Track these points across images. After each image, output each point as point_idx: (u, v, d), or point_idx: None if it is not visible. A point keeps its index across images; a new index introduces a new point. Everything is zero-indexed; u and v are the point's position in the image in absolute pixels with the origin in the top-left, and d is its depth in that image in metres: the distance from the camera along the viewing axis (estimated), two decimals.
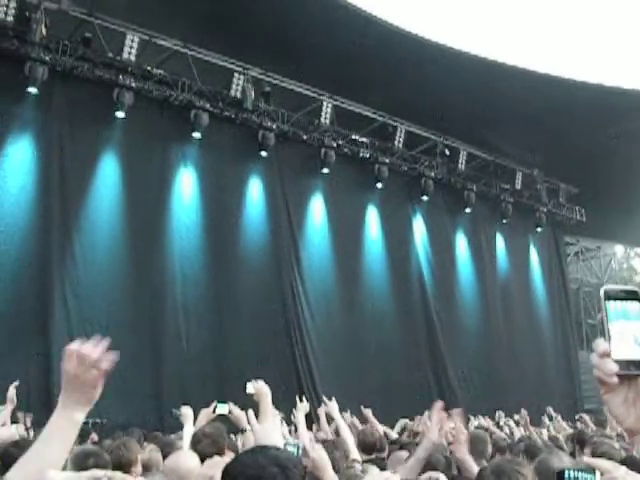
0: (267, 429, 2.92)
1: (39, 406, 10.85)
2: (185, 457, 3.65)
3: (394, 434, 8.89)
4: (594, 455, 4.81)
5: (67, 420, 1.82)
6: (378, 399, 13.73)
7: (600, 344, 1.29)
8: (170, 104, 14.97)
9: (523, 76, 16.94)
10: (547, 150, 18.79)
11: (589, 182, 20.37)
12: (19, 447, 4.18)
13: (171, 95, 14.90)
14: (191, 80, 15.05)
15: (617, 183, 20.68)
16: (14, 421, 6.98)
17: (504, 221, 20.92)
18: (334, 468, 3.97)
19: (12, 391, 5.78)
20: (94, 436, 10.11)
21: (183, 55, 14.75)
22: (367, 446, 6.18)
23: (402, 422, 9.87)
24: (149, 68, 14.59)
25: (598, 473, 1.93)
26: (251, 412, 3.16)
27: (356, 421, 9.09)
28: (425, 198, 18.88)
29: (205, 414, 5.18)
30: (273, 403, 3.35)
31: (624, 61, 16.67)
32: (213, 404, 5.19)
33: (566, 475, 1.93)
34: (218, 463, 2.02)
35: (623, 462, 2.91)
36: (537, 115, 17.33)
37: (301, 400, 5.55)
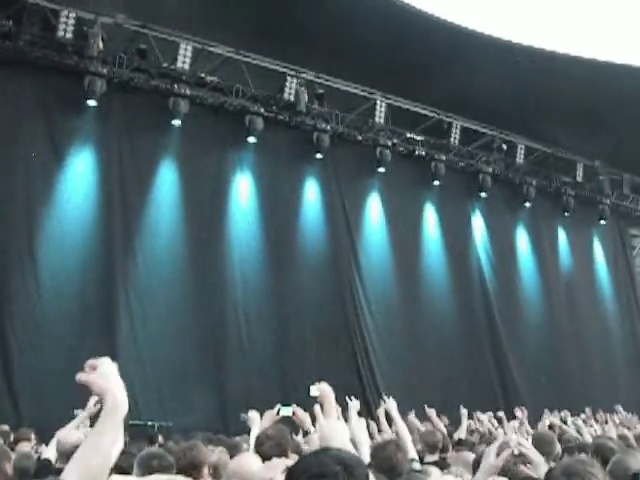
0: (333, 427, 2.91)
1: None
2: (248, 460, 3.67)
3: (462, 434, 8.77)
4: None
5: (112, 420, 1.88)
6: (440, 397, 13.62)
7: None
8: (225, 110, 15.15)
9: (579, 65, 16.51)
10: (608, 140, 18.28)
11: None
12: None
13: (225, 101, 15.08)
14: (244, 85, 15.19)
15: None
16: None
17: (566, 215, 20.43)
18: (397, 470, 3.93)
19: (92, 403, 5.82)
20: (159, 438, 10.30)
21: (236, 61, 14.91)
22: (430, 446, 6.12)
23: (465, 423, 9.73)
24: (203, 76, 14.79)
25: None
26: (317, 407, 3.16)
27: (417, 422, 9.02)
28: (483, 194, 18.61)
29: (269, 416, 5.19)
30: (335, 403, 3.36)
31: None
32: (277, 407, 5.20)
33: None
34: (277, 465, 2.02)
35: None
36: (596, 104, 16.86)
37: (357, 398, 5.57)
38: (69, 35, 12.97)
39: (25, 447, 6.45)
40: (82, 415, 5.67)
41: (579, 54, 16.18)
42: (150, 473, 3.12)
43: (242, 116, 15.03)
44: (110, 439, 1.75)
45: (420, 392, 14.62)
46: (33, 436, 8.20)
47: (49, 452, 5.57)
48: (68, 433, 5.26)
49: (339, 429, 2.80)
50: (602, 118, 17.25)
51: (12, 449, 6.50)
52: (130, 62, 14.04)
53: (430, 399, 9.93)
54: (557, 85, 16.30)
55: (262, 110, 15.22)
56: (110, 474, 1.79)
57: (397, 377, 15.70)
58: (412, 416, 9.28)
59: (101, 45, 13.35)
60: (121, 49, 14.05)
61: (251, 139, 15.13)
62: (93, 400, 5.72)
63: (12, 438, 8.42)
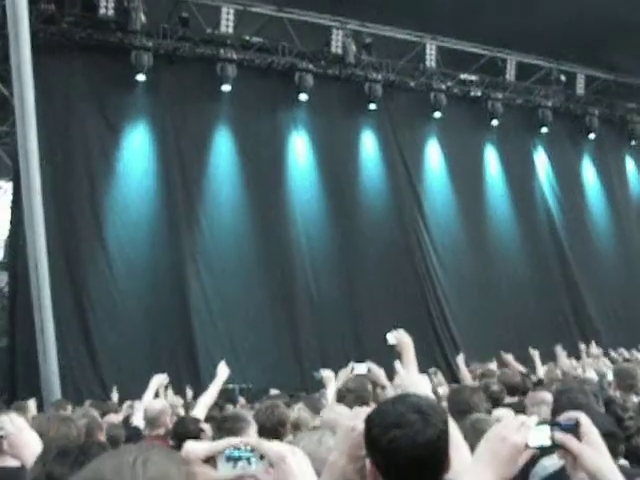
0: (413, 377, 2.84)
1: (187, 378, 11.38)
2: (339, 409, 3.67)
3: (540, 374, 8.63)
4: None
5: None
6: (516, 339, 13.46)
7: None
8: (273, 70, 15.02)
9: None
10: None
11: None
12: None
13: (273, 61, 14.93)
14: (290, 43, 15.00)
15: None
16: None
17: (633, 143, 19.69)
18: (472, 412, 3.84)
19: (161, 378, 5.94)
20: (242, 400, 10.48)
21: (279, 19, 14.70)
22: (509, 388, 6.04)
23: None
24: (248, 38, 14.65)
25: None
26: (397, 363, 3.08)
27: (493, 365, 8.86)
28: (545, 130, 18.05)
29: (343, 375, 5.18)
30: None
31: None
32: (350, 364, 5.16)
33: None
34: (359, 413, 1.99)
35: None
36: None
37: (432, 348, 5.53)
38: (111, 12, 13.04)
39: (112, 418, 6.63)
40: (153, 384, 5.77)
41: None
42: (225, 435, 3.14)
43: (291, 74, 14.87)
44: None
45: (495, 335, 14.50)
46: (125, 406, 8.43)
47: (137, 420, 5.72)
48: (153, 402, 5.39)
49: (420, 382, 2.72)
50: None
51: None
52: (174, 32, 14.01)
53: (505, 342, 9.82)
54: (616, 8, 15.57)
55: (311, 66, 15.03)
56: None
57: (471, 322, 15.59)
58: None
59: (143, 18, 13.37)
60: (163, 20, 14.03)
61: (302, 97, 14.98)
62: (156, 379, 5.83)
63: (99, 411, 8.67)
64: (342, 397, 4.00)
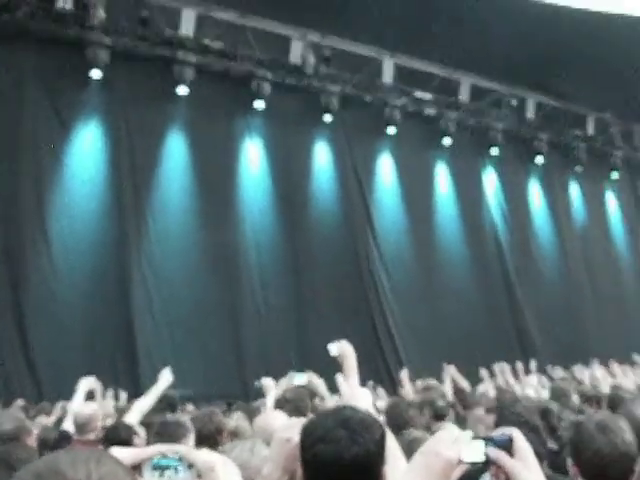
0: (354, 390, 2.85)
1: (126, 383, 11.25)
2: (274, 415, 3.68)
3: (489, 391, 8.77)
4: None
5: None
6: (460, 355, 13.66)
7: None
8: (231, 76, 14.97)
9: (587, 17, 16.22)
10: (618, 92, 18.00)
11: None
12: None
13: (231, 67, 14.89)
14: (250, 50, 15.00)
15: None
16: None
17: (577, 169, 20.25)
18: (407, 426, 3.92)
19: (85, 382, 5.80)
20: (190, 407, 10.36)
21: (240, 26, 14.69)
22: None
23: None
24: (207, 42, 14.60)
25: None
26: (339, 376, 3.10)
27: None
28: (495, 151, 18.43)
29: (283, 384, 5.20)
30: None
31: None
32: (291, 374, 5.19)
33: None
34: (294, 424, 1.99)
35: None
36: (605, 56, 16.57)
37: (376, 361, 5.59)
38: (69, 5, 12.82)
39: (43, 420, 6.51)
40: (82, 388, 5.67)
41: (587, 6, 15.87)
42: (165, 441, 3.14)
43: (249, 82, 14.84)
44: None
45: (439, 351, 14.69)
46: (58, 408, 8.27)
47: (67, 424, 5.64)
48: (83, 406, 5.29)
49: (360, 395, 2.74)
50: (611, 70, 16.96)
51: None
52: (133, 31, 13.82)
53: (449, 357, 9.93)
54: (566, 38, 16.02)
55: (269, 74, 15.03)
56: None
57: (416, 337, 15.79)
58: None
59: (102, 14, 13.20)
60: (123, 18, 13.87)
61: (259, 104, 14.97)
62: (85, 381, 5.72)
63: (31, 412, 8.51)
64: (280, 407, 4.02)
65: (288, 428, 2.03)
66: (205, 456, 1.73)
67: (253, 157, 15.28)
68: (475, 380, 9.72)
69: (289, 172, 15.54)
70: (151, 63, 14.07)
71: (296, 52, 15.16)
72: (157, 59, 14.05)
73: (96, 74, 13.28)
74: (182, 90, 14.09)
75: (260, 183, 15.21)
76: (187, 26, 13.87)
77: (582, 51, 16.22)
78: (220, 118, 14.86)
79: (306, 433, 1.84)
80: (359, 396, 2.69)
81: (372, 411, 2.47)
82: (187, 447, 1.97)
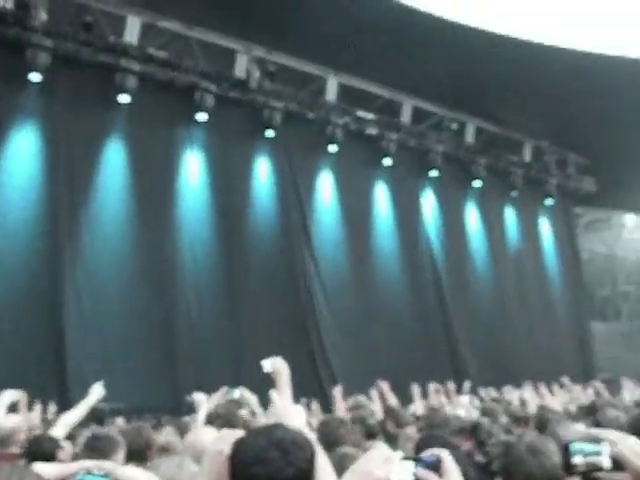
0: (287, 407, 2.84)
1: (54, 395, 10.93)
2: (205, 431, 3.63)
3: (419, 410, 8.84)
4: (600, 425, 4.79)
5: None
6: (392, 374, 13.72)
7: None
8: (174, 87, 14.84)
9: (528, 47, 16.73)
10: (556, 121, 18.58)
11: (598, 152, 20.17)
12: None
13: (175, 77, 14.75)
14: (195, 62, 14.93)
15: (627, 152, 20.47)
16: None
17: (513, 194, 20.76)
18: (339, 444, 3.93)
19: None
20: (120, 420, 10.12)
21: (185, 37, 14.64)
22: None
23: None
24: (152, 51, 14.45)
25: (606, 444, 1.89)
26: (273, 393, 3.09)
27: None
28: (434, 173, 18.75)
29: (215, 399, 5.15)
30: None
31: (629, 30, 16.43)
32: (223, 390, 5.14)
33: (571, 448, 1.88)
34: (228, 437, 1.97)
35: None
36: (544, 86, 17.11)
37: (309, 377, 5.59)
38: (9, 5, 12.55)
39: None
40: (4, 400, 5.48)
41: (527, 37, 16.37)
42: (94, 456, 3.06)
43: (192, 93, 14.75)
44: None
45: (372, 369, 14.75)
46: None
47: None
48: (5, 419, 5.11)
49: (292, 412, 2.73)
50: (549, 99, 17.52)
51: None
52: (75, 35, 13.55)
53: (382, 376, 9.98)
54: (507, 67, 16.49)
55: (212, 87, 14.96)
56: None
57: (351, 356, 15.83)
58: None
59: (44, 16, 12.93)
60: (65, 22, 13.62)
61: (201, 116, 14.89)
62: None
63: None
64: (211, 422, 3.98)
65: (220, 440, 2.00)
66: (130, 472, 1.69)
67: (193, 169, 15.15)
68: (407, 399, 9.80)
69: (229, 186, 15.46)
70: (93, 69, 13.83)
71: (241, 66, 15.17)
72: (99, 65, 13.82)
73: (35, 77, 12.99)
74: (124, 98, 13.90)
75: (199, 196, 15.07)
76: (132, 34, 13.73)
77: (522, 80, 16.72)
78: (161, 129, 14.71)
79: (239, 453, 1.83)
80: (292, 413, 2.68)
81: (305, 428, 2.46)
82: (112, 463, 1.92)
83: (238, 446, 1.86)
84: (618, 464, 1.86)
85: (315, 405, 10.03)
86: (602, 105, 18.12)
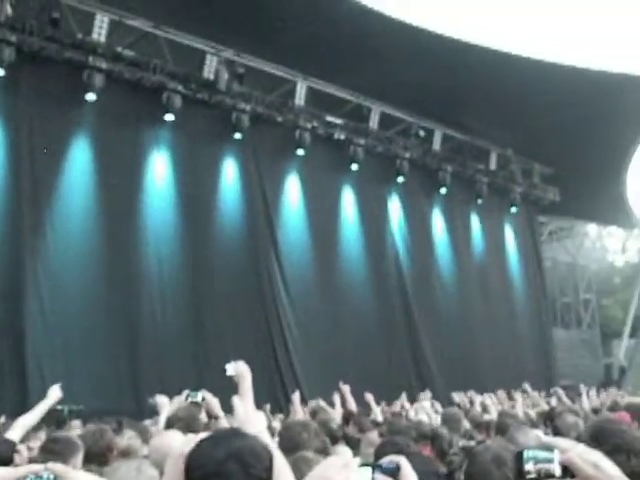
0: (248, 412, 2.82)
1: (13, 398, 10.73)
2: (171, 435, 3.59)
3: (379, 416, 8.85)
4: (558, 431, 4.86)
5: None
6: (357, 380, 13.74)
7: None
8: (142, 86, 14.69)
9: (496, 57, 16.94)
10: (521, 131, 18.82)
11: (562, 162, 20.48)
12: None
13: (143, 77, 14.61)
14: (163, 62, 14.81)
15: (589, 163, 20.81)
16: None
17: (479, 201, 20.98)
18: (301, 449, 3.91)
19: None
20: (77, 423, 9.96)
21: (155, 36, 14.52)
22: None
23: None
24: (120, 49, 14.30)
25: (557, 451, 1.92)
26: (235, 398, 3.06)
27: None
28: (401, 179, 18.86)
29: (177, 402, 5.10)
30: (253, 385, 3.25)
31: (595, 42, 16.73)
32: (185, 392, 5.10)
33: (524, 455, 1.90)
34: (192, 441, 1.93)
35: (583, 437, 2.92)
36: (511, 96, 17.34)
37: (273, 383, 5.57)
38: None
39: None
40: None
41: (496, 48, 16.58)
42: (53, 458, 3.00)
43: (160, 93, 14.62)
44: None
45: (336, 375, 14.73)
46: None
47: None
48: None
49: (254, 417, 2.71)
50: (516, 110, 17.75)
51: None
52: (41, 30, 13.33)
53: (345, 380, 9.99)
54: (475, 76, 16.67)
55: (181, 87, 14.85)
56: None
57: (313, 359, 15.80)
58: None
59: (9, 11, 12.72)
60: (31, 17, 13.41)
61: (168, 117, 14.76)
62: None
63: None
64: (171, 425, 3.94)
65: (186, 444, 1.96)
66: (83, 477, 1.66)
67: (160, 170, 15.00)
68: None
69: (195, 187, 15.33)
70: (60, 66, 13.62)
71: (210, 67, 15.07)
72: (66, 62, 13.62)
73: None
74: (90, 96, 13.71)
75: (165, 196, 14.92)
76: (100, 31, 13.56)
77: (489, 89, 16.91)
78: (128, 128, 14.54)
79: (196, 465, 1.79)
80: (253, 418, 2.66)
81: (265, 433, 2.44)
82: (64, 466, 1.87)
83: (195, 456, 1.82)
84: (568, 471, 1.89)
85: (278, 409, 9.98)
86: (567, 116, 18.42)
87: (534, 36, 16.30)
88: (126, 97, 14.50)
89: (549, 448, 1.93)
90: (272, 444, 2.05)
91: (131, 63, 14.51)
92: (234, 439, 1.86)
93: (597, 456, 1.92)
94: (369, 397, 8.65)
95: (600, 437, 2.76)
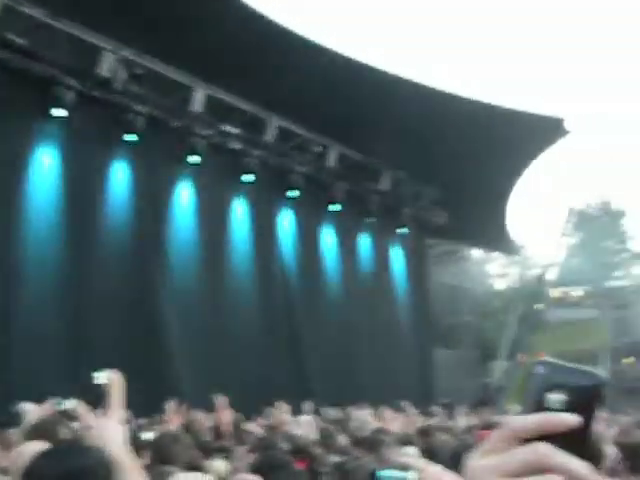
0: (109, 425, 2.70)
1: None
2: (30, 446, 3.41)
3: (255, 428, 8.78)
4: (433, 448, 4.96)
5: None
6: (240, 392, 13.64)
7: None
8: (32, 77, 14.03)
9: (395, 82, 17.42)
10: (413, 153, 19.33)
11: (453, 187, 21.18)
12: None
13: (33, 68, 13.96)
14: (57, 54, 14.22)
15: (477, 190, 21.65)
16: None
17: (369, 220, 21.34)
18: (171, 461, 3.82)
19: None
20: None
21: (50, 26, 13.92)
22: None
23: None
24: (11, 36, 13.61)
25: (413, 472, 1.92)
26: (79, 406, 2.90)
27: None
28: (294, 193, 18.90)
29: (44, 409, 4.87)
30: (129, 394, 3.12)
31: (488, 78, 17.46)
32: (54, 399, 4.87)
33: (378, 475, 1.90)
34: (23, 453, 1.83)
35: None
36: (405, 120, 17.84)
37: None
38: None
39: None
40: None
41: (396, 73, 17.06)
42: None
43: (51, 86, 14.01)
44: None
45: (220, 385, 14.55)
46: None
47: None
48: None
49: (112, 431, 2.59)
50: (409, 132, 18.27)
51: None
52: None
53: (229, 391, 9.86)
54: (372, 97, 17.07)
55: (74, 82, 14.31)
56: None
57: (197, 370, 15.52)
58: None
59: None
60: None
61: (58, 112, 14.15)
62: None
63: None
64: (29, 434, 3.74)
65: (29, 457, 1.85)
66: None
67: (45, 166, 14.37)
68: (249, 416, 9.73)
69: (83, 187, 14.75)
70: None
71: (107, 65, 14.62)
72: None
73: None
74: None
75: (50, 194, 14.26)
76: None
77: (385, 111, 17.34)
78: (13, 121, 13.80)
79: (30, 478, 1.69)
80: (111, 432, 2.54)
81: (121, 449, 2.33)
82: None
83: (29, 472, 1.72)
84: None
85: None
86: (459, 144, 19.16)
87: (433, 65, 16.87)
88: (14, 87, 13.70)
89: (405, 468, 1.93)
90: (125, 458, 1.95)
91: (22, 52, 13.79)
92: (69, 458, 1.77)
93: (451, 477, 1.93)
94: (222, 401, 8.54)
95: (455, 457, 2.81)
